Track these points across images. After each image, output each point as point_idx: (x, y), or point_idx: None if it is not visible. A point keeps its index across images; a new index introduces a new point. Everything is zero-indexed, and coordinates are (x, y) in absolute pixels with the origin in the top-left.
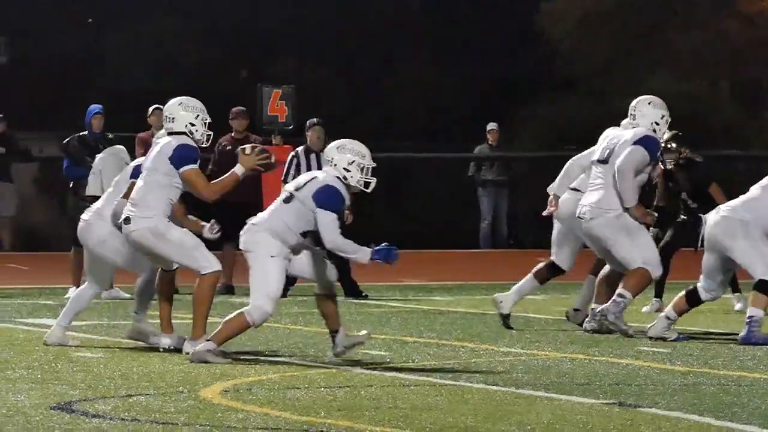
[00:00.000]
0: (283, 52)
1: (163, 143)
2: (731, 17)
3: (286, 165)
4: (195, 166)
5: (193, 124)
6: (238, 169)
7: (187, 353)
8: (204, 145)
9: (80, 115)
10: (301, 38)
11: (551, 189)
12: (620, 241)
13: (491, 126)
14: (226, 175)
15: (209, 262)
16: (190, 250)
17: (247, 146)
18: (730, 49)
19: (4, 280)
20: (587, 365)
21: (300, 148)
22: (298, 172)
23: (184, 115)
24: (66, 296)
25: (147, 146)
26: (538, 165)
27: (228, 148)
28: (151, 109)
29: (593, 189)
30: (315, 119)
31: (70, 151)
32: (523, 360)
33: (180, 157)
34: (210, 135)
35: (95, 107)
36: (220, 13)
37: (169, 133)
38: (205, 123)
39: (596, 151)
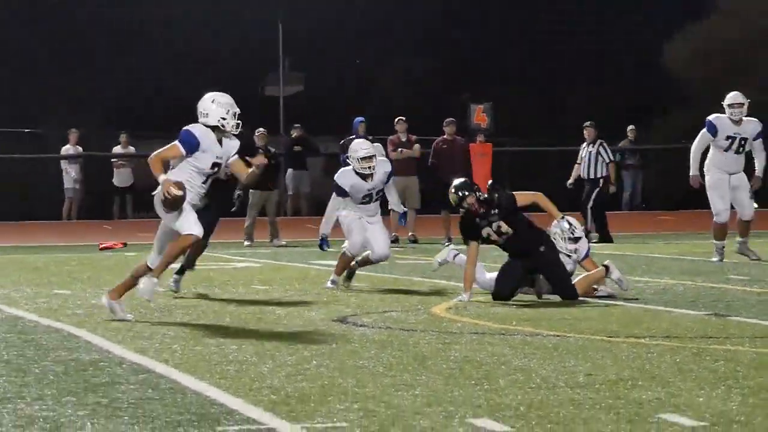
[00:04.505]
0: (490, 78)
1: None
2: None
3: None
4: (176, 143)
5: (224, 118)
6: (162, 177)
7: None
8: (234, 133)
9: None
10: (502, 68)
11: None
12: None
13: (630, 127)
14: (160, 172)
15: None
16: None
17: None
18: None
19: (304, 236)
20: (693, 288)
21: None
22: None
23: (216, 110)
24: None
25: (395, 145)
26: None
27: (443, 146)
28: (396, 120)
29: None
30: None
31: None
32: (650, 285)
33: (180, 136)
34: (239, 124)
35: (360, 118)
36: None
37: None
38: (234, 115)
39: None
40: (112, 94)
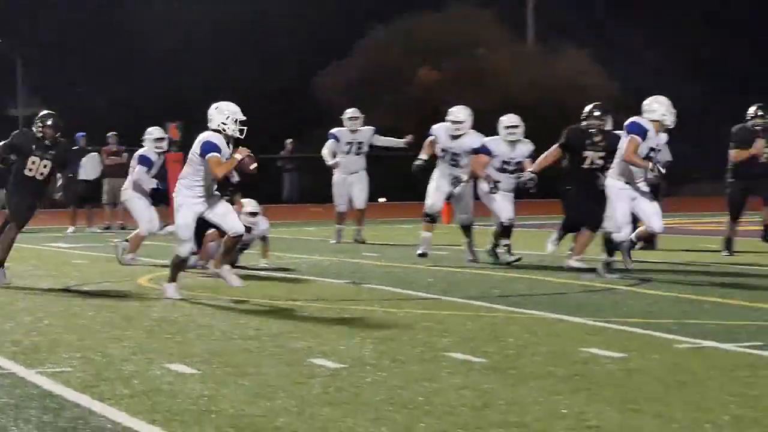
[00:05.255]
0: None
1: (198, 139)
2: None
3: None
4: (215, 154)
5: (224, 123)
6: (236, 156)
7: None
8: (238, 136)
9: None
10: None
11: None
12: None
13: (289, 140)
14: (230, 162)
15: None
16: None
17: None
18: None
19: (38, 224)
20: (337, 263)
21: None
22: None
23: (217, 116)
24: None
25: (107, 153)
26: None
27: None
28: (109, 134)
29: None
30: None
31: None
32: (304, 260)
33: (205, 149)
34: (243, 129)
35: (81, 133)
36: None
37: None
38: (236, 121)
39: None
40: None
